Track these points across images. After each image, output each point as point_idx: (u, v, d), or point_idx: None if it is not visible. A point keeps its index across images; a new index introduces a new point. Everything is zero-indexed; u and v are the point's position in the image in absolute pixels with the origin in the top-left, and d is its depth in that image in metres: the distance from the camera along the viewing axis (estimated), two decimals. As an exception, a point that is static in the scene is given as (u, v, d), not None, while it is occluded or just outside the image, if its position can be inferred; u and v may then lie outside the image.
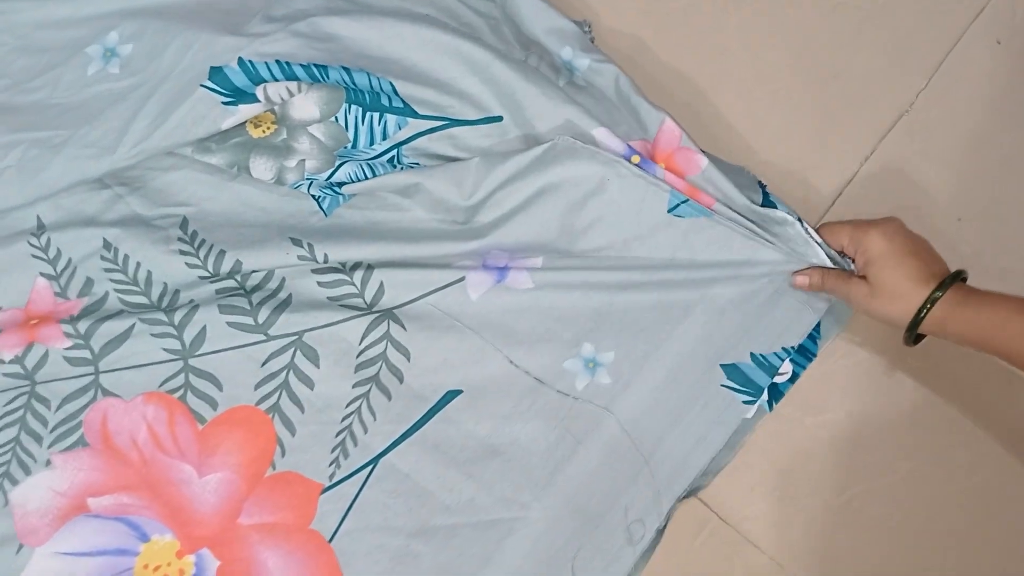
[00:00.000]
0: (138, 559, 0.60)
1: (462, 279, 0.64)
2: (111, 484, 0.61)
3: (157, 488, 0.61)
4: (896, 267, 0.55)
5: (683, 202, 0.63)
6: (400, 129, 0.66)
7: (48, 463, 0.61)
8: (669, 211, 0.63)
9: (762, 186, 0.65)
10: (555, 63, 0.68)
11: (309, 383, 0.63)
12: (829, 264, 0.61)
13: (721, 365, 0.63)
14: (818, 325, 0.64)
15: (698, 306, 0.63)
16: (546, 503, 0.61)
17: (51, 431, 0.62)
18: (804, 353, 0.65)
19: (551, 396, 0.63)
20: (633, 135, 0.65)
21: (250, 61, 0.65)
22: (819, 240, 0.61)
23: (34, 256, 0.66)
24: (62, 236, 0.66)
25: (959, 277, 0.55)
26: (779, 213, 0.62)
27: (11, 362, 0.63)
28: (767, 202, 0.64)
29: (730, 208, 0.63)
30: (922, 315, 0.54)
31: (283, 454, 0.62)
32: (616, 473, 0.61)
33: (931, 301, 0.53)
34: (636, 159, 0.64)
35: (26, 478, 0.61)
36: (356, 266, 0.65)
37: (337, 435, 0.62)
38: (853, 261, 0.61)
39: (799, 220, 0.62)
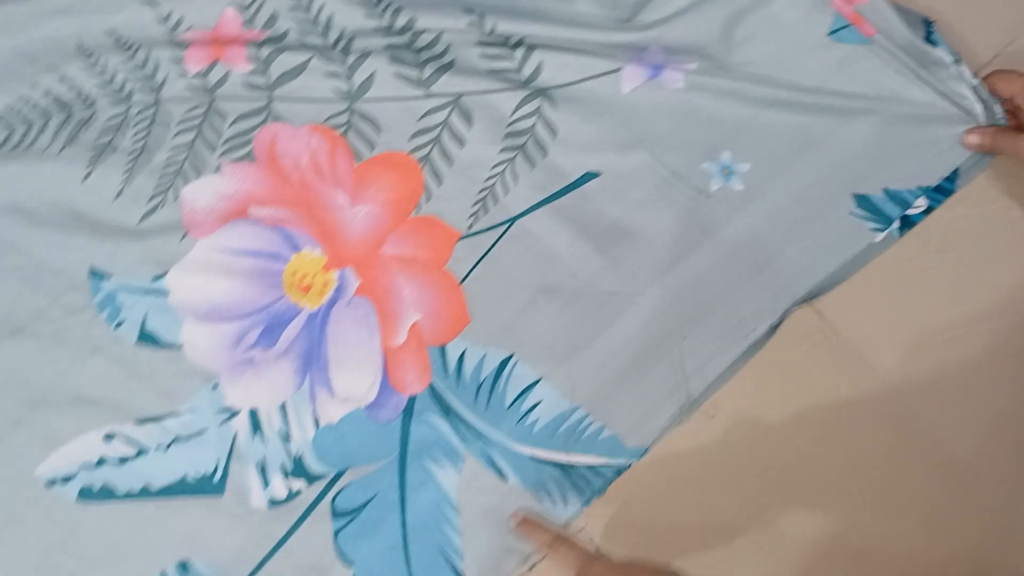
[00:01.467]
0: (288, 265, 0.70)
1: (618, 70, 0.71)
2: (271, 197, 0.71)
3: (312, 209, 0.71)
4: None
5: (844, 27, 0.69)
6: None
7: (218, 169, 0.71)
8: (829, 34, 0.69)
9: (928, 24, 0.70)
10: None
11: (460, 142, 0.71)
12: (979, 109, 0.66)
13: (853, 194, 0.69)
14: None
15: (839, 133, 0.69)
16: (666, 284, 0.68)
17: (224, 142, 0.72)
18: (941, 191, 0.70)
19: (684, 191, 0.70)
20: None
21: None
22: (975, 84, 0.67)
23: None
24: (255, -30, 0.75)
25: None
26: (938, 52, 0.68)
27: (195, 76, 0.73)
28: (930, 41, 0.69)
29: (891, 41, 0.69)
30: None
31: (428, 199, 0.71)
32: (735, 272, 0.68)
33: None
34: None
35: (197, 178, 0.71)
36: (519, 43, 0.72)
37: (479, 192, 0.71)
38: (1008, 112, 0.66)
39: (957, 61, 0.67)
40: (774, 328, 0.67)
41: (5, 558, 0.64)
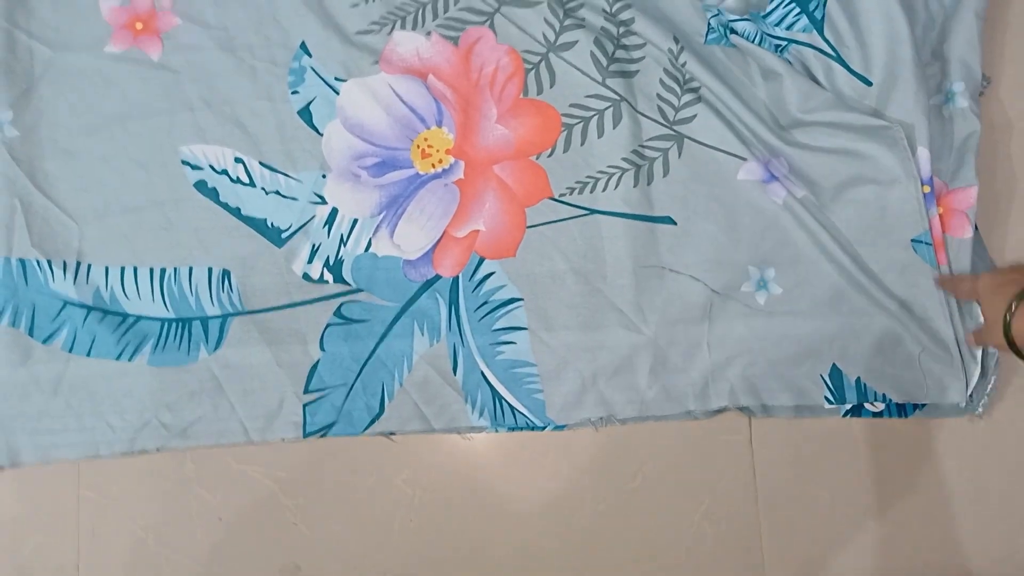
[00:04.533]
0: (425, 131, 0.91)
1: (744, 160, 0.88)
2: (449, 78, 0.92)
3: (469, 105, 0.91)
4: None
5: (926, 243, 0.83)
6: (802, 32, 0.89)
7: (428, 34, 0.92)
8: (912, 240, 0.84)
9: None
10: (941, 85, 0.88)
11: (600, 132, 0.90)
12: (976, 372, 0.81)
13: (833, 363, 0.84)
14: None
15: (862, 314, 0.84)
16: (664, 333, 0.87)
17: (445, 18, 0.92)
18: (900, 409, 0.86)
19: (734, 298, 0.87)
20: (942, 175, 0.85)
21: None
22: (991, 351, 0.81)
23: None
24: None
25: None
26: (976, 311, 0.82)
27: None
28: None
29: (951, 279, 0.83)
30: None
31: (549, 155, 0.90)
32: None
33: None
34: (927, 188, 0.84)
35: (411, 30, 0.93)
36: (692, 90, 0.89)
37: (587, 176, 0.90)
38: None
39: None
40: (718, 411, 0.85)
41: (143, 190, 0.90)
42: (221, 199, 0.88)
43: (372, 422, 0.84)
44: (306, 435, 0.84)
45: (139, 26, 0.91)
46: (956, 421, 0.85)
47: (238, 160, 0.89)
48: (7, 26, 0.88)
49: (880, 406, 0.83)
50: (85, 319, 0.85)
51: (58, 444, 0.84)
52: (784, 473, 0.85)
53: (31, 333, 0.85)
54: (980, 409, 0.82)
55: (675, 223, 0.87)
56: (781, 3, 0.88)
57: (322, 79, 0.90)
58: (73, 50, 0.90)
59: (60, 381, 0.84)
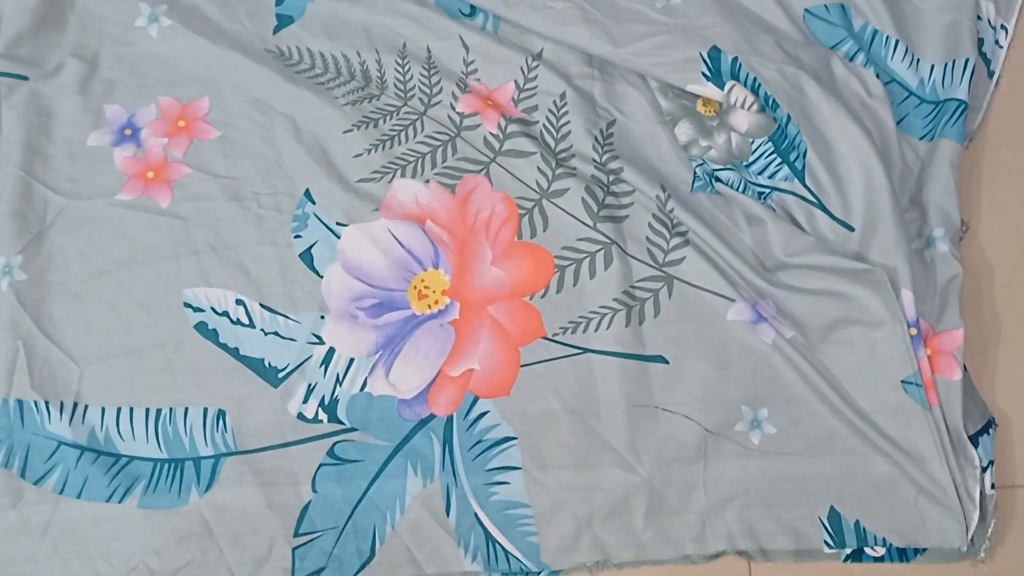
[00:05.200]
0: (422, 272, 0.94)
1: (733, 301, 0.90)
2: (446, 223, 0.95)
3: (465, 248, 0.94)
4: None
5: (916, 384, 0.84)
6: (784, 180, 0.93)
7: (427, 182, 0.96)
8: (902, 381, 0.85)
9: (989, 423, 0.84)
10: (921, 230, 0.91)
11: (592, 274, 0.92)
12: (975, 515, 0.80)
13: (832, 506, 0.84)
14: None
15: (858, 455, 0.84)
16: (658, 476, 0.87)
17: (443, 167, 0.96)
18: (901, 554, 0.84)
19: (728, 438, 0.87)
20: (927, 317, 0.87)
21: (740, 65, 0.94)
22: (989, 493, 0.80)
23: None
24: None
25: None
26: (975, 452, 0.82)
27: (456, 113, 0.99)
28: (975, 437, 0.83)
29: (944, 419, 0.84)
30: None
31: (543, 296, 0.92)
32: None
33: None
34: (913, 331, 0.86)
35: (410, 178, 0.97)
36: (681, 233, 0.92)
37: (579, 316, 0.92)
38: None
39: (985, 468, 0.81)
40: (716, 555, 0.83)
41: (145, 332, 0.92)
42: (220, 340, 0.90)
43: (363, 567, 0.83)
44: (295, 580, 0.82)
45: (150, 175, 0.95)
46: (959, 566, 0.82)
47: (239, 302, 0.91)
48: (24, 176, 0.93)
49: (881, 551, 0.81)
50: (78, 460, 0.85)
51: None
52: (786, 620, 0.82)
53: (23, 474, 0.85)
54: (982, 554, 0.80)
55: (667, 362, 0.88)
56: (763, 154, 0.92)
57: (324, 224, 0.93)
58: (85, 198, 0.93)
59: (49, 524, 0.83)
